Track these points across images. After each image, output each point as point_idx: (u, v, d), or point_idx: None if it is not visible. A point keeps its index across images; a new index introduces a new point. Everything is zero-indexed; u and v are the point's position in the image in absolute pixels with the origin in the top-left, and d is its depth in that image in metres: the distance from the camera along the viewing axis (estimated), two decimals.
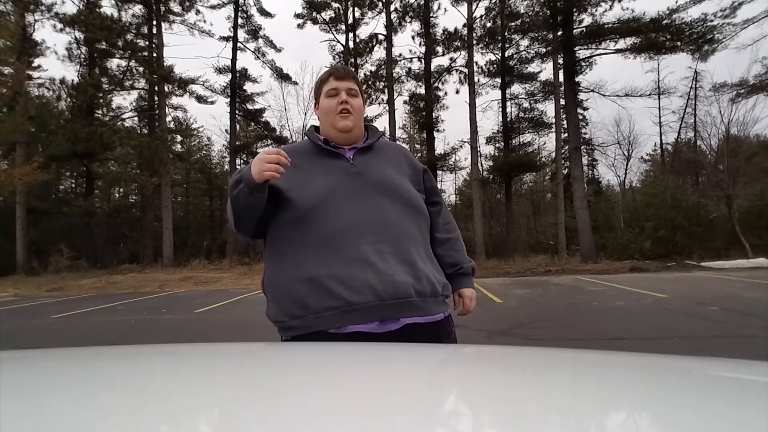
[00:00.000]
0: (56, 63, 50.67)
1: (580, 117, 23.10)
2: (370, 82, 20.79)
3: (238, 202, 1.09)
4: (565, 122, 19.95)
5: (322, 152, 1.22)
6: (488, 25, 20.52)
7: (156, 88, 20.85)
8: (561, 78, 18.89)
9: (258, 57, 22.86)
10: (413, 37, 23.93)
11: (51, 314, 7.89)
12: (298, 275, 1.10)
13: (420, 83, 21.68)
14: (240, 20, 22.23)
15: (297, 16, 22.28)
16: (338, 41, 22.29)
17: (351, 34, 21.78)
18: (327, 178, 1.16)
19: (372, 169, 1.20)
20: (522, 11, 19.56)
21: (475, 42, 20.06)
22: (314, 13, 22.08)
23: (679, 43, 17.03)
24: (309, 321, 1.07)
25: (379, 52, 21.67)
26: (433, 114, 21.22)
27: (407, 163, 1.30)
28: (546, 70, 22.53)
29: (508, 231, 21.64)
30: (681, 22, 16.48)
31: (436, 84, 21.55)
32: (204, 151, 31.75)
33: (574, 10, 17.54)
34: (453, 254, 1.31)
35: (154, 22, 20.84)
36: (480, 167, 20.97)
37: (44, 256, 17.55)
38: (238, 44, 22.24)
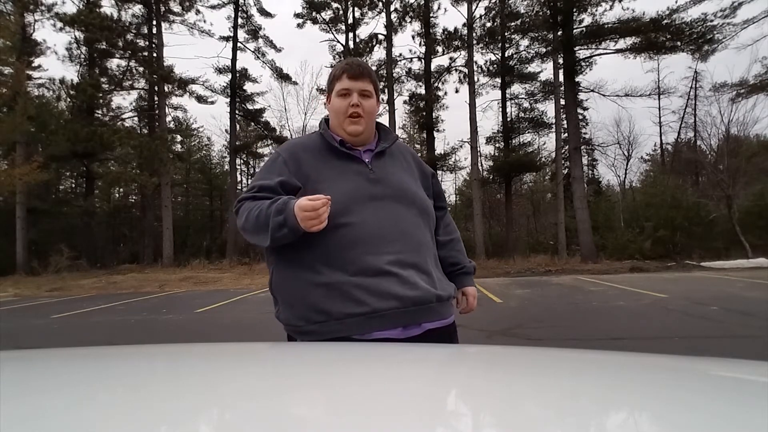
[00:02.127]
0: (56, 63, 50.71)
1: (580, 117, 23.11)
2: None
3: (279, 240, 1.06)
4: (565, 122, 19.95)
5: (337, 153, 1.19)
6: (488, 24, 20.55)
7: (156, 88, 20.83)
8: (561, 78, 18.89)
9: (258, 57, 22.88)
10: (413, 37, 23.97)
11: (51, 314, 7.88)
12: (314, 280, 1.09)
13: (420, 83, 21.69)
14: (240, 20, 22.25)
15: (297, 16, 22.29)
16: (338, 41, 22.32)
17: (351, 34, 21.80)
18: (347, 184, 1.14)
19: (390, 177, 1.19)
20: (522, 11, 19.58)
21: (475, 42, 20.07)
22: (314, 13, 22.08)
23: (679, 43, 17.03)
24: (331, 327, 1.07)
25: (379, 52, 21.70)
26: (433, 114, 21.22)
27: (417, 167, 1.31)
28: (546, 70, 22.53)
29: (508, 231, 21.63)
30: (681, 22, 16.48)
31: (436, 84, 21.55)
32: (204, 151, 31.77)
33: (574, 10, 17.54)
34: (455, 254, 1.35)
35: (154, 22, 20.83)
36: (480, 167, 20.97)
37: (44, 256, 17.54)
38: (238, 44, 22.27)
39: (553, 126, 21.23)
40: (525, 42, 20.64)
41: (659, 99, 24.16)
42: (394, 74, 20.98)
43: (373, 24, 51.39)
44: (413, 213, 1.18)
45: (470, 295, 1.36)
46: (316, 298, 1.08)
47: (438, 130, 22.58)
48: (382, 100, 20.44)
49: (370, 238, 1.10)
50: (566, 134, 20.41)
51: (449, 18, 79.39)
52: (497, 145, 23.27)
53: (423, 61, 21.22)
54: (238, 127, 24.48)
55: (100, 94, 19.76)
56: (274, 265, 1.17)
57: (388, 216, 1.13)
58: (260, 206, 1.08)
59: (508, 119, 22.20)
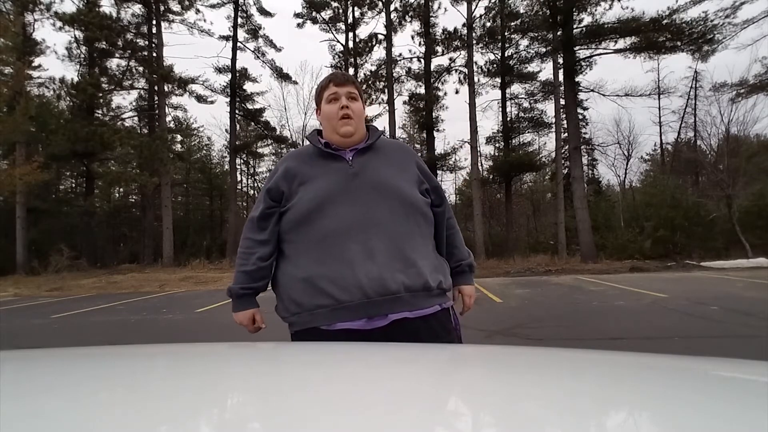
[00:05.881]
0: (56, 62, 50.64)
1: (580, 117, 23.09)
2: (370, 82, 20.78)
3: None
4: (565, 122, 19.94)
5: (324, 155, 1.24)
6: (488, 24, 20.53)
7: (156, 87, 20.82)
8: (561, 78, 18.87)
9: (258, 56, 22.86)
10: (413, 37, 23.98)
11: (51, 314, 7.88)
12: (296, 274, 1.17)
13: (420, 83, 21.68)
14: (240, 20, 22.22)
15: (297, 15, 22.29)
16: (338, 41, 22.32)
17: (351, 34, 21.79)
18: (326, 182, 1.19)
19: (369, 170, 1.21)
20: (522, 11, 19.56)
21: (474, 42, 20.05)
22: (314, 13, 22.07)
23: (679, 43, 17.01)
24: (304, 318, 1.15)
25: (378, 52, 21.72)
26: (433, 114, 21.22)
27: (412, 161, 1.30)
28: (546, 70, 22.59)
29: (508, 231, 21.64)
30: (681, 22, 16.45)
31: (435, 84, 21.55)
32: (204, 151, 31.75)
33: (574, 9, 17.52)
34: (451, 250, 1.34)
35: (154, 22, 20.83)
36: (480, 167, 20.97)
37: (44, 256, 17.53)
38: (238, 44, 22.24)
39: (553, 126, 21.23)
40: (525, 42, 20.65)
41: (659, 99, 24.17)
42: (394, 74, 20.98)
43: (373, 24, 51.59)
44: (392, 203, 1.18)
45: (465, 294, 1.34)
46: (295, 291, 1.17)
47: (438, 130, 22.61)
48: (382, 100, 20.26)
49: (339, 230, 1.14)
50: (566, 134, 20.40)
51: (449, 18, 79.34)
52: (497, 144, 23.29)
53: (423, 61, 21.22)
54: (238, 126, 24.47)
55: (100, 94, 19.74)
56: (275, 262, 1.27)
57: (361, 208, 1.16)
58: (242, 261, 1.24)
59: (508, 119, 22.20)
